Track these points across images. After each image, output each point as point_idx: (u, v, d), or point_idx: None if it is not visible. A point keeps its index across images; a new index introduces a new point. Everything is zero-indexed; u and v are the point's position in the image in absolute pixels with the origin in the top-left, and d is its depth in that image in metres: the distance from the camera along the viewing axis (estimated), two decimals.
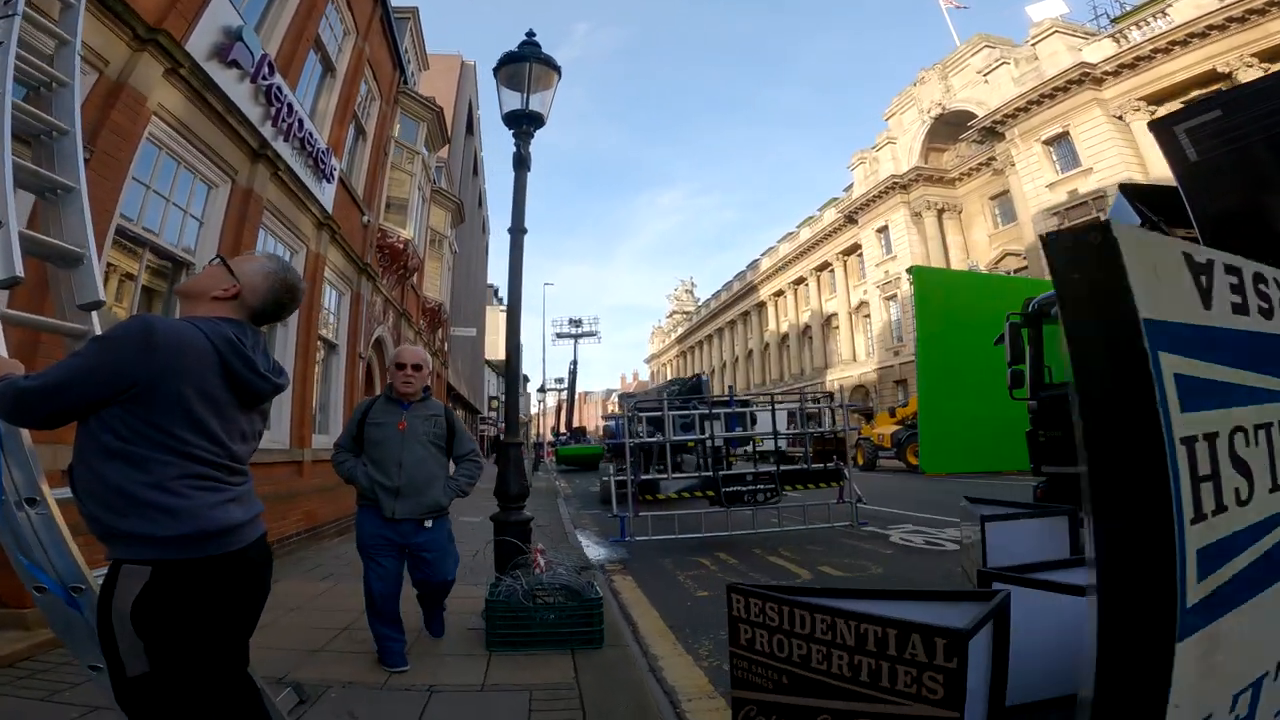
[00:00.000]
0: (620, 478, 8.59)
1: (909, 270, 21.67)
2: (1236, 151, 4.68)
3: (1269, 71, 20.25)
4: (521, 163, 5.01)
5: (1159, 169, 24.16)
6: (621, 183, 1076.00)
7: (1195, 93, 23.50)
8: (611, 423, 16.22)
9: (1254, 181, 4.69)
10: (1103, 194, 25.50)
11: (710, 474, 8.29)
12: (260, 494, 1.74)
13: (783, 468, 8.24)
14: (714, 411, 8.80)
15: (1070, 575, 2.63)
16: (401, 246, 12.14)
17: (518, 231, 4.88)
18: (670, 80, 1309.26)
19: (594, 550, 7.88)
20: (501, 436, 34.14)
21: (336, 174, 8.83)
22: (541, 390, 35.77)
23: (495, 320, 64.75)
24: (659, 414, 8.68)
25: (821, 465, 8.59)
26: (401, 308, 13.59)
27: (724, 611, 4.88)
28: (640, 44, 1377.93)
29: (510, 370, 4.65)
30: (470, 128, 33.73)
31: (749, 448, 10.61)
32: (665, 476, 8.27)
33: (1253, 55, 21.31)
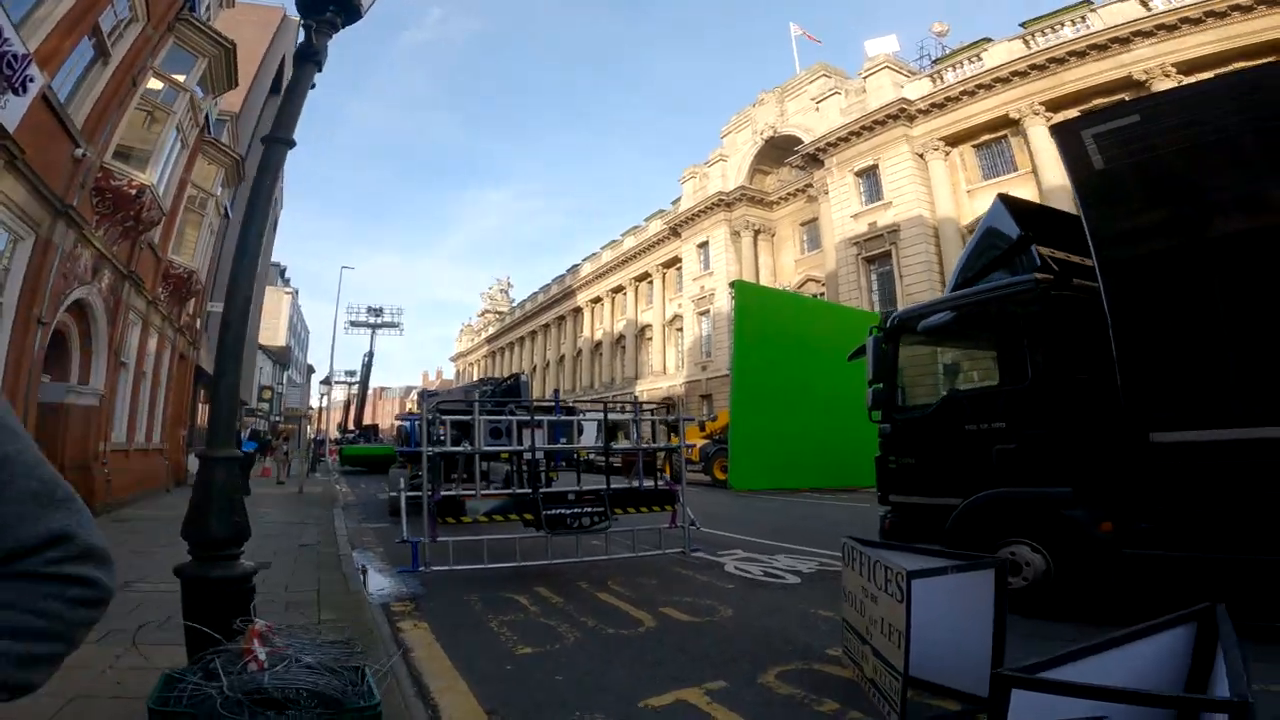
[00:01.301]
0: (413, 493, 6.96)
1: (731, 284, 22.14)
2: (1152, 161, 4.50)
3: (1052, 119, 23.58)
4: (311, 57, 3.40)
5: (945, 209, 27.28)
6: (449, 176, 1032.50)
7: (985, 137, 26.75)
8: (407, 423, 14.10)
9: (1170, 193, 4.56)
10: (896, 228, 28.07)
11: (528, 492, 6.96)
12: None
13: (613, 487, 7.16)
14: (535, 419, 7.49)
15: (1094, 669, 1.79)
16: (132, 192, 9.43)
17: (277, 141, 3.26)
18: (514, 79, 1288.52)
19: (377, 582, 6.29)
20: (266, 434, 29.07)
21: (35, 88, 6.69)
22: (327, 383, 31.63)
23: (278, 302, 57.26)
24: (467, 417, 7.20)
25: (654, 484, 7.67)
26: (128, 269, 10.58)
27: (560, 680, 3.70)
28: (490, 38, 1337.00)
29: (225, 340, 2.90)
30: (278, 87, 29.23)
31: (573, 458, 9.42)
32: (473, 494, 6.79)
33: (1041, 103, 24.37)
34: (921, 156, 28.08)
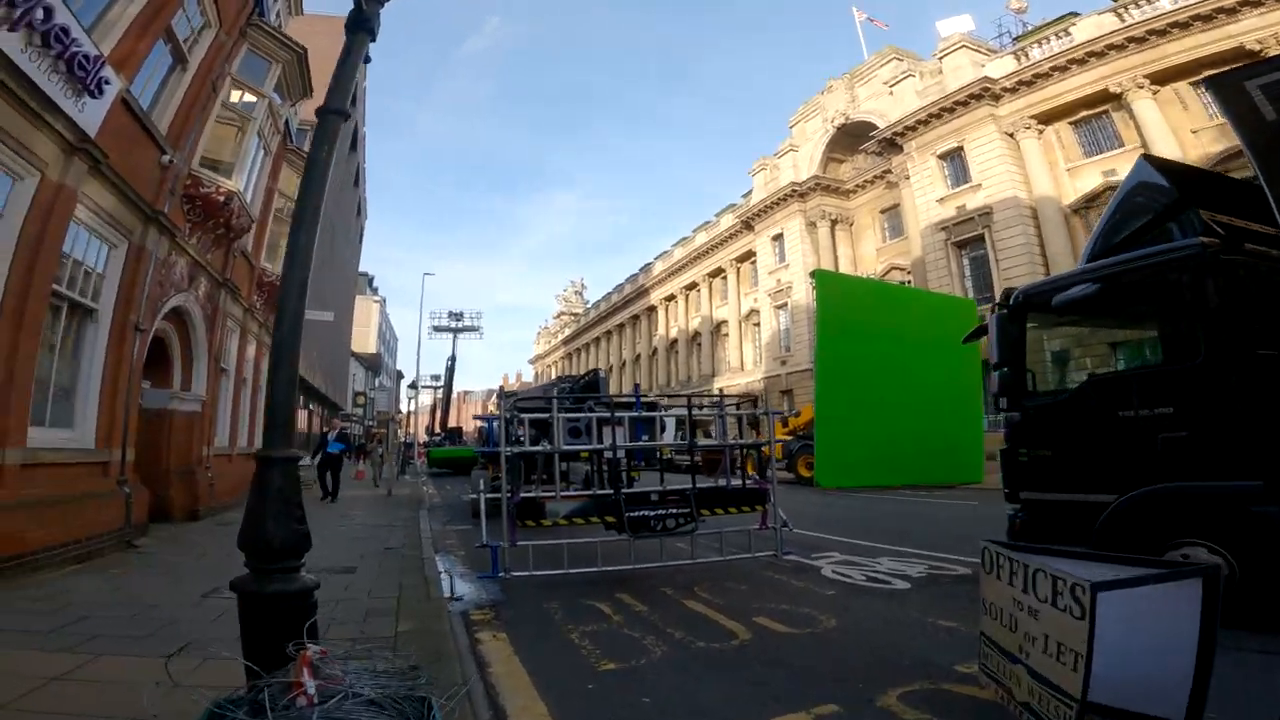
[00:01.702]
0: (493, 495, 6.76)
1: (812, 274, 21.19)
2: None
3: (1158, 93, 21.44)
4: (363, 24, 3.22)
5: (1042, 189, 25.38)
6: (516, 181, 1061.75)
7: (1083, 113, 24.89)
8: (486, 423, 14.10)
9: None
10: (989, 210, 26.38)
11: (609, 493, 6.62)
12: None
13: (699, 487, 6.72)
14: (616, 415, 7.14)
15: None
16: (221, 199, 9.69)
17: (330, 112, 3.04)
18: (576, 82, 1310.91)
19: (457, 588, 6.09)
20: (359, 438, 30.01)
21: (114, 92, 6.78)
22: (414, 387, 32.71)
23: (367, 311, 60.04)
24: (546, 415, 6.94)
25: (741, 483, 7.19)
26: (223, 276, 10.95)
27: (647, 703, 3.30)
28: (550, 43, 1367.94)
29: (281, 326, 2.61)
30: (353, 98, 30.53)
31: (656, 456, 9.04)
32: (553, 495, 6.52)
33: (1145, 76, 22.51)
34: (1011, 136, 26.43)
